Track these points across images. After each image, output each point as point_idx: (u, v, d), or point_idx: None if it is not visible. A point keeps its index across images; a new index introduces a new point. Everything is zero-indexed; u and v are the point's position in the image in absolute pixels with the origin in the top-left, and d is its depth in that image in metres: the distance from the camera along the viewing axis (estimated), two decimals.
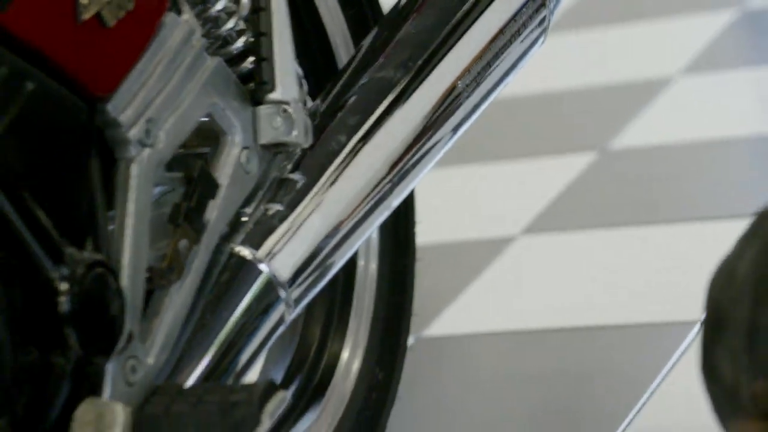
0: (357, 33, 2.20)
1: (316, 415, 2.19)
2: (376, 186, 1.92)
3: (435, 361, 2.82)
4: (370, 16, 2.22)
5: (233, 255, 1.78)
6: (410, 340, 2.52)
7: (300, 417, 2.18)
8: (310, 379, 2.22)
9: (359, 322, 2.26)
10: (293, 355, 2.24)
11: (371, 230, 1.97)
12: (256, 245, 1.78)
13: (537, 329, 2.83)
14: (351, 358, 2.24)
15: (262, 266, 1.77)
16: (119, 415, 1.56)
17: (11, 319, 1.55)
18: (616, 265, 2.91)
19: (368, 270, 2.28)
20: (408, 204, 2.31)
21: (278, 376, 2.22)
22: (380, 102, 1.94)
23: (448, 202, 3.19)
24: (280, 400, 1.60)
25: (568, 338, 2.70)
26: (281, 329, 1.83)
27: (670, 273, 2.78)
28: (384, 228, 2.26)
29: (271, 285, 1.78)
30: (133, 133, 1.67)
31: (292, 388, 2.21)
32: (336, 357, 2.24)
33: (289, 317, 1.83)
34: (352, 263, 2.24)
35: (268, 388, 1.60)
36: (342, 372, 2.23)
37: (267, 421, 1.58)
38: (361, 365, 2.24)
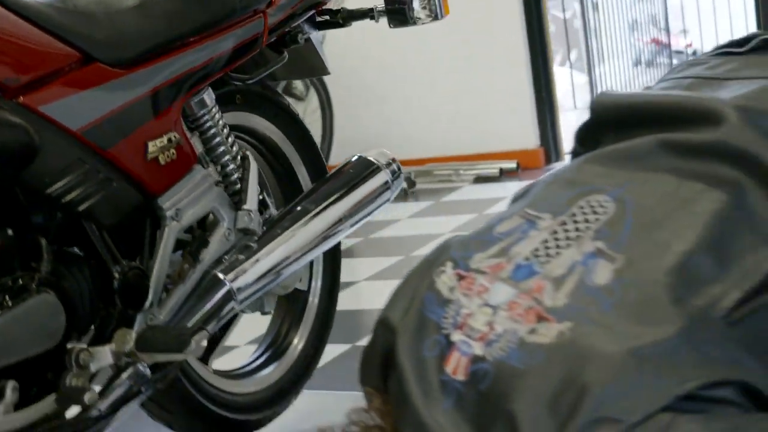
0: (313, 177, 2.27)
1: (276, 365, 2.24)
2: (290, 255, 1.94)
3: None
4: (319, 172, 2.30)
5: (214, 276, 1.82)
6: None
7: (268, 365, 2.24)
8: (277, 349, 2.27)
9: (306, 326, 2.30)
10: (272, 338, 2.29)
11: (286, 274, 1.97)
12: (226, 272, 1.83)
13: None
14: (298, 342, 2.28)
15: (227, 283, 1.82)
16: (133, 334, 1.66)
17: (92, 290, 1.66)
18: None
19: (313, 302, 2.32)
20: (335, 274, 2.37)
21: (263, 347, 2.27)
22: (300, 218, 1.99)
23: None
24: (203, 334, 1.67)
25: None
26: (230, 316, 1.88)
27: None
28: (324, 286, 2.33)
29: (230, 293, 1.81)
30: (169, 214, 1.77)
31: (269, 353, 2.26)
32: (291, 341, 2.28)
33: (236, 310, 1.88)
34: (305, 299, 2.30)
35: (199, 329, 1.69)
36: (293, 347, 2.28)
37: (193, 343, 1.64)
38: (304, 345, 2.28)
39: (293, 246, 1.97)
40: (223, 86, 2.00)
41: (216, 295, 1.82)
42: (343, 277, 2.46)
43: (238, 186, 1.95)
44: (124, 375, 1.68)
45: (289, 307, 2.31)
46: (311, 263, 2.32)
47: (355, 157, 2.17)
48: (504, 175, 4.94)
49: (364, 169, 2.13)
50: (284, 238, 1.96)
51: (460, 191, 4.87)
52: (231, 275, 1.84)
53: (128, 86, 1.72)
